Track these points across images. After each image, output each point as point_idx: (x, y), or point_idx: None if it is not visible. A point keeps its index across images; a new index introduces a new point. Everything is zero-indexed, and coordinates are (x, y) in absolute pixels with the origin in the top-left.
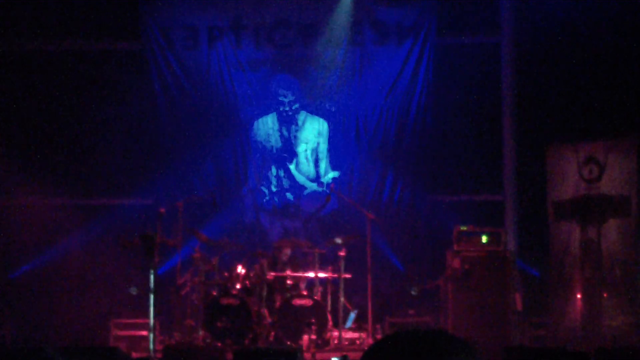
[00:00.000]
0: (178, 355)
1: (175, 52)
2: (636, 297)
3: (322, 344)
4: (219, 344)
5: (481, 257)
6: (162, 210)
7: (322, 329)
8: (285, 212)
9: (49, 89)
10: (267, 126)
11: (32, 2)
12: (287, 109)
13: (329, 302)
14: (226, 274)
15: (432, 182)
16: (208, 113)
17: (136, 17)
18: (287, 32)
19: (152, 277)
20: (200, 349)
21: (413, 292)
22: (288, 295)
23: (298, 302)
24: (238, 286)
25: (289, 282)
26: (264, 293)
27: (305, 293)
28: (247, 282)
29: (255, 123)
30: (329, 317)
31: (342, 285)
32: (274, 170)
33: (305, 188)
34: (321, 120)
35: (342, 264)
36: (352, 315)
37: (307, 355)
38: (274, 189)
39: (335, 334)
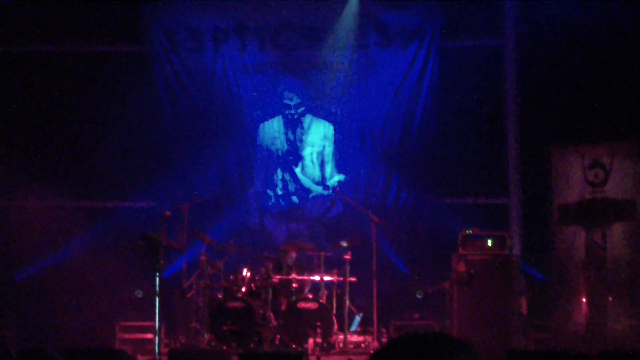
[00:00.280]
0: (183, 358)
1: (180, 55)
2: None
3: (328, 347)
4: (224, 347)
5: (486, 260)
6: (168, 213)
7: (327, 332)
8: (291, 216)
9: (52, 90)
10: (272, 129)
11: (36, 3)
12: (293, 112)
13: (334, 306)
14: (231, 277)
15: (437, 186)
16: (213, 116)
17: (140, 19)
18: (292, 35)
19: (157, 280)
20: (206, 352)
21: (418, 296)
22: (293, 298)
23: (303, 305)
24: (243, 289)
25: (294, 285)
26: (270, 296)
27: (310, 296)
28: (252, 285)
29: (261, 126)
30: (334, 320)
31: (347, 289)
32: (279, 173)
33: (311, 191)
34: (327, 123)
35: (347, 267)
36: (357, 318)
37: (312, 358)
38: (279, 192)
39: (341, 337)
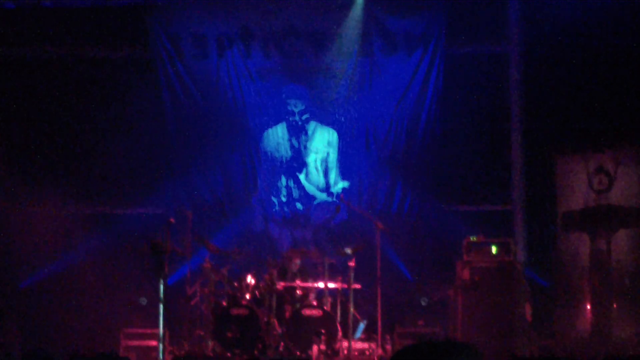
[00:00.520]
0: None
1: (184, 61)
2: None
3: (332, 354)
4: (229, 354)
5: (491, 267)
6: (172, 219)
7: (331, 340)
8: (295, 222)
9: (56, 96)
10: (276, 136)
11: (40, 8)
12: (297, 118)
13: (339, 313)
14: (236, 284)
15: (441, 192)
16: (217, 122)
17: (145, 25)
18: (296, 42)
19: (161, 287)
20: (210, 359)
21: (422, 303)
22: (298, 305)
23: (307, 312)
24: (247, 296)
25: (298, 292)
26: (274, 303)
27: (314, 303)
28: (256, 292)
29: (265, 133)
30: (339, 327)
31: (351, 296)
32: (283, 180)
33: (315, 198)
34: (331, 130)
35: (351, 274)
36: (362, 325)
37: None
38: (283, 199)
39: (345, 344)
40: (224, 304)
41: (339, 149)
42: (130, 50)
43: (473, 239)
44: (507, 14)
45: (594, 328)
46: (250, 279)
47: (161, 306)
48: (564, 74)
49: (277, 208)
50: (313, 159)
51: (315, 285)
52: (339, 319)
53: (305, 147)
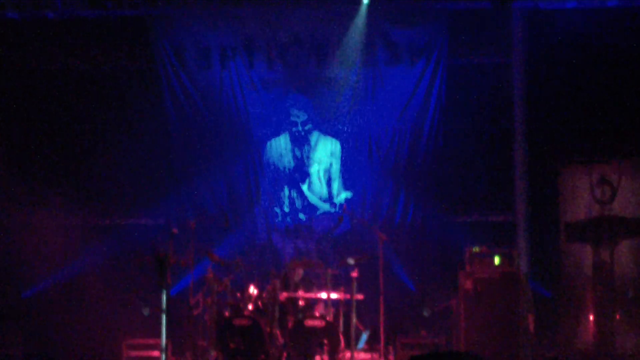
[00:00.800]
0: None
1: (188, 72)
2: None
3: None
4: None
5: (494, 278)
6: (175, 230)
7: (334, 350)
8: (298, 233)
9: (61, 108)
10: (279, 146)
11: (44, 21)
12: (300, 129)
13: (341, 323)
14: (238, 294)
15: (444, 203)
16: (220, 133)
17: (148, 36)
18: (299, 52)
19: (164, 297)
20: None
21: (425, 313)
22: (300, 315)
23: (310, 322)
24: (250, 307)
25: (301, 302)
26: (276, 314)
27: (317, 314)
28: (259, 302)
29: (268, 143)
30: (341, 338)
31: (354, 306)
32: (286, 190)
33: (318, 208)
34: (334, 140)
35: (354, 285)
36: (364, 336)
37: None
38: (286, 209)
39: (348, 354)
40: (227, 314)
41: (341, 159)
42: (133, 61)
43: (476, 249)
44: (509, 25)
45: (597, 338)
46: (253, 290)
47: (164, 316)
48: (567, 85)
49: (280, 218)
50: (316, 170)
51: (318, 295)
52: (341, 329)
53: (308, 158)
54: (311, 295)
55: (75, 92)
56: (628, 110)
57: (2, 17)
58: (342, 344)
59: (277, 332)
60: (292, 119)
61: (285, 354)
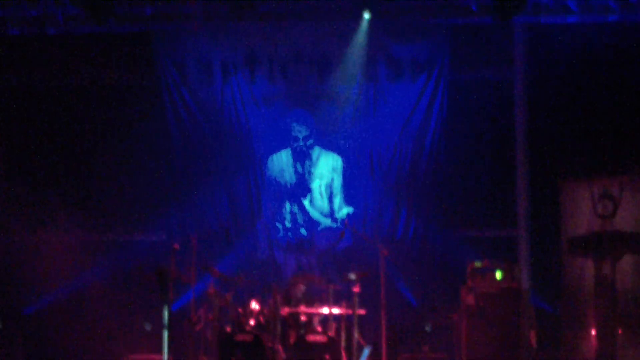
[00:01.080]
0: None
1: (190, 87)
2: None
3: None
4: None
5: (495, 293)
6: (176, 246)
7: None
8: (300, 248)
9: (63, 124)
10: (281, 162)
11: (45, 36)
12: (301, 144)
13: (343, 338)
14: (240, 309)
15: (446, 218)
16: (222, 148)
17: (150, 52)
18: (301, 68)
19: (166, 312)
20: None
21: (427, 328)
22: (302, 331)
23: (312, 338)
24: (252, 322)
25: (303, 318)
26: (278, 329)
27: (319, 329)
28: (261, 317)
29: (270, 158)
30: (343, 353)
31: (356, 321)
32: (288, 205)
33: (320, 224)
34: (335, 155)
35: (356, 300)
36: (366, 351)
37: None
38: (288, 224)
39: None
40: (229, 329)
41: (343, 174)
42: (135, 76)
43: (478, 264)
44: (511, 40)
45: (599, 354)
46: (254, 305)
47: (165, 332)
48: (569, 100)
49: (281, 234)
50: (317, 185)
51: (320, 310)
52: (343, 344)
53: (309, 173)
54: (313, 310)
55: (76, 108)
56: (629, 124)
57: (4, 33)
58: (344, 359)
59: (279, 347)
60: (294, 134)
61: None
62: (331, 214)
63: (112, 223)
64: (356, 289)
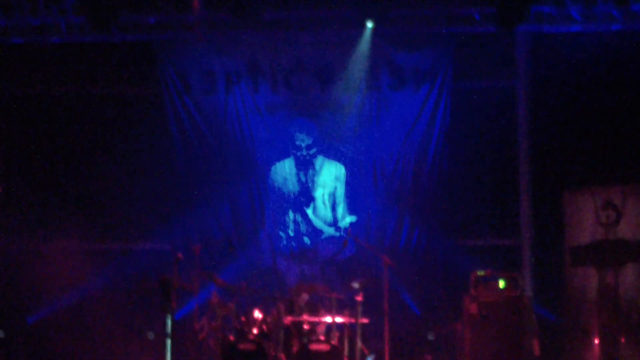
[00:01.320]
0: None
1: (193, 96)
2: None
3: None
4: None
5: (498, 302)
6: (180, 255)
7: None
8: (303, 257)
9: (65, 133)
10: (284, 171)
11: (49, 45)
12: (305, 153)
13: (346, 347)
14: (243, 318)
15: (449, 227)
16: (225, 157)
17: (153, 61)
18: (304, 77)
19: (169, 321)
20: None
21: (430, 337)
22: (305, 340)
23: (315, 347)
24: (255, 331)
25: (306, 326)
26: (281, 338)
27: (322, 338)
28: (264, 326)
29: (273, 167)
30: None
31: (359, 330)
32: (291, 214)
33: (323, 232)
34: (338, 164)
35: (359, 309)
36: None
37: None
38: (291, 233)
39: None
40: (232, 338)
41: (346, 183)
42: (138, 86)
43: (481, 273)
44: (514, 49)
45: None
46: (257, 314)
47: (168, 341)
48: (572, 109)
49: (284, 242)
50: (320, 194)
51: (323, 319)
52: (346, 353)
53: (312, 182)
54: (316, 319)
55: (79, 117)
56: (632, 133)
57: (7, 42)
58: None
59: (282, 356)
60: (297, 143)
61: None
62: (334, 223)
63: (116, 232)
64: (359, 298)
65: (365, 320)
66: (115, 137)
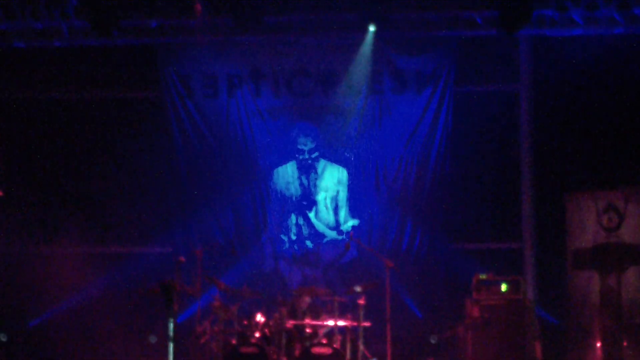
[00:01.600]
0: None
1: (195, 100)
2: None
3: None
4: None
5: (500, 305)
6: (182, 258)
7: None
8: (305, 260)
9: (66, 137)
10: (286, 174)
11: (52, 49)
12: (307, 157)
13: (348, 351)
14: (245, 322)
15: (451, 230)
16: (227, 161)
17: (155, 65)
18: (306, 81)
19: (171, 325)
20: None
21: (432, 340)
22: (307, 343)
23: (317, 350)
24: (257, 334)
25: (308, 330)
26: (283, 341)
27: (324, 341)
28: (266, 330)
29: (275, 171)
30: None
31: (361, 334)
32: (293, 218)
33: (325, 236)
34: (341, 168)
35: (361, 312)
36: None
37: None
38: (293, 237)
39: None
40: (234, 342)
41: (348, 187)
42: (140, 89)
43: (483, 276)
44: (516, 52)
45: None
46: (260, 317)
47: (171, 344)
48: (574, 112)
49: (287, 246)
50: (323, 197)
51: (325, 323)
52: (348, 356)
53: (315, 186)
54: (318, 322)
55: (81, 121)
56: (635, 136)
57: (9, 46)
58: None
59: (284, 359)
60: (299, 146)
61: None
62: (336, 227)
63: (117, 235)
64: (361, 301)
65: (367, 324)
66: (117, 141)
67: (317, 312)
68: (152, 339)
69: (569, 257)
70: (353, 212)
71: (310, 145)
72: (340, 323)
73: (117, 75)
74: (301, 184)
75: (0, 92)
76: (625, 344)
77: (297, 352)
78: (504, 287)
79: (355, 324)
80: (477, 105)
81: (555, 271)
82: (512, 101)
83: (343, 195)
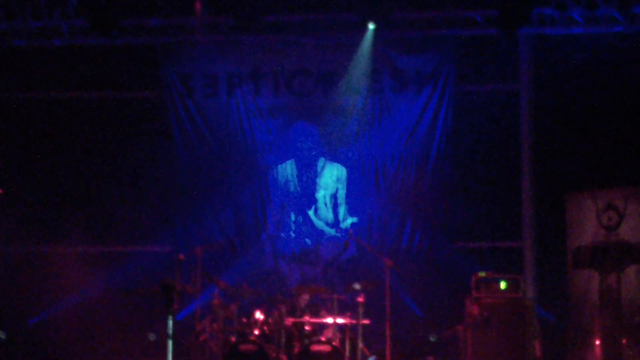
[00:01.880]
0: None
1: (195, 100)
2: None
3: None
4: None
5: (500, 304)
6: (182, 257)
7: None
8: (304, 258)
9: (67, 136)
10: (286, 173)
11: (52, 48)
12: (306, 155)
13: (347, 349)
14: (245, 320)
15: (450, 229)
16: (227, 160)
17: (156, 64)
18: (306, 80)
19: (170, 323)
20: None
21: (432, 339)
22: (306, 341)
23: (316, 348)
24: (257, 332)
25: (307, 328)
26: (283, 339)
27: (323, 339)
28: (265, 328)
29: (274, 169)
30: None
31: (360, 332)
32: (293, 216)
33: (324, 234)
34: (340, 166)
35: (360, 310)
36: None
37: None
38: (293, 235)
39: None
40: (233, 340)
41: (348, 185)
42: (140, 89)
43: (482, 275)
44: (516, 51)
45: None
46: (259, 315)
47: (170, 342)
48: (574, 111)
49: (286, 244)
50: (322, 195)
51: (325, 321)
52: (347, 354)
53: (314, 183)
54: (317, 320)
55: (81, 120)
56: (635, 136)
57: (9, 44)
58: None
59: (283, 357)
60: (299, 145)
61: None
62: (336, 225)
63: (117, 234)
64: (361, 299)
65: (366, 322)
66: (117, 140)
67: (316, 310)
68: (151, 337)
69: (568, 256)
70: (352, 210)
71: (309, 143)
72: (340, 321)
73: (117, 75)
74: (301, 182)
75: (0, 92)
76: (624, 342)
77: (296, 350)
78: (503, 286)
79: (354, 322)
80: (477, 104)
81: (555, 270)
82: (512, 100)
83: (342, 193)
